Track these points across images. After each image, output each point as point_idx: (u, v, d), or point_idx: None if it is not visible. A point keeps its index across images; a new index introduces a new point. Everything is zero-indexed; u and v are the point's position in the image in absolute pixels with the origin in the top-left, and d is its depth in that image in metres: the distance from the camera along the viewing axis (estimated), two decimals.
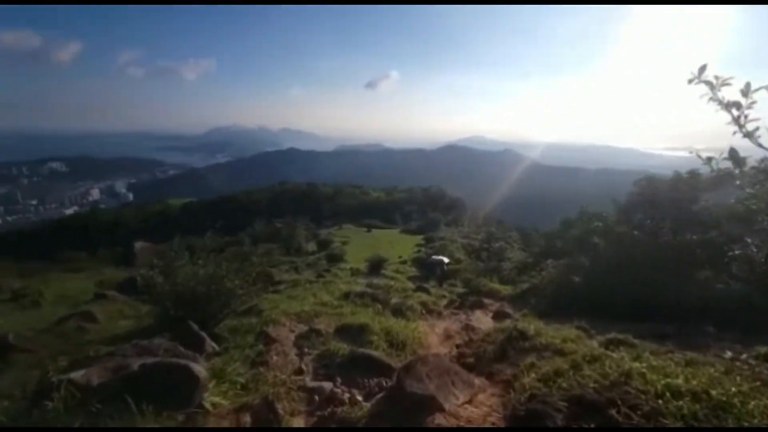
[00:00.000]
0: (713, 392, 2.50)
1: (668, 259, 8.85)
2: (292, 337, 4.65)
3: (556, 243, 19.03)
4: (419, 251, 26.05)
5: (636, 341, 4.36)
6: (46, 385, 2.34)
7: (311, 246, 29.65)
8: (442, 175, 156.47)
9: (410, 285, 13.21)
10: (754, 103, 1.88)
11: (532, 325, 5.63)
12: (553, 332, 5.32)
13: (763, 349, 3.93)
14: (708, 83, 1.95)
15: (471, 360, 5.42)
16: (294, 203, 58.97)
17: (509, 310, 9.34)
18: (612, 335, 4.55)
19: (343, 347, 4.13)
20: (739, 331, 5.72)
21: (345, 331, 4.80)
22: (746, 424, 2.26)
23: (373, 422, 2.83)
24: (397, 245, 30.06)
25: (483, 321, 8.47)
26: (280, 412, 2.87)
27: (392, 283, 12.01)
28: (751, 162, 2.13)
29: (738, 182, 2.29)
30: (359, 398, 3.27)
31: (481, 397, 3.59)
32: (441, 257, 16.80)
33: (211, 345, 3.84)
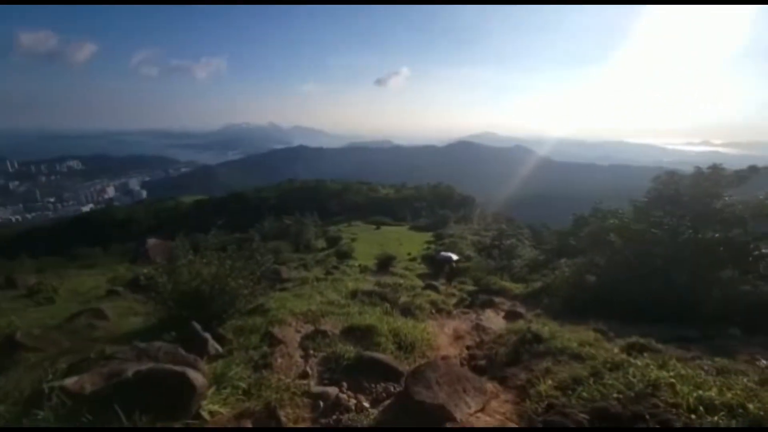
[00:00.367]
0: (751, 407, 2.28)
1: (688, 258, 8.48)
2: (298, 338, 4.53)
3: (569, 241, 18.61)
4: (428, 248, 25.79)
5: (659, 346, 4.12)
6: (39, 391, 2.24)
7: (320, 243, 29.63)
8: (452, 171, 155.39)
9: (419, 283, 13.03)
10: None
11: (546, 327, 5.41)
12: (568, 335, 5.10)
13: None
14: None
15: (482, 362, 5.23)
16: (303, 200, 59.12)
17: (521, 310, 9.10)
18: (633, 339, 4.31)
19: (350, 350, 3.98)
20: (766, 335, 5.42)
21: (352, 333, 4.66)
22: None
23: None
24: (406, 242, 29.84)
25: (494, 321, 8.25)
26: (283, 419, 2.74)
27: (401, 281, 11.84)
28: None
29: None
30: (366, 405, 3.13)
31: (494, 404, 3.41)
32: (450, 254, 16.54)
33: (214, 346, 3.73)
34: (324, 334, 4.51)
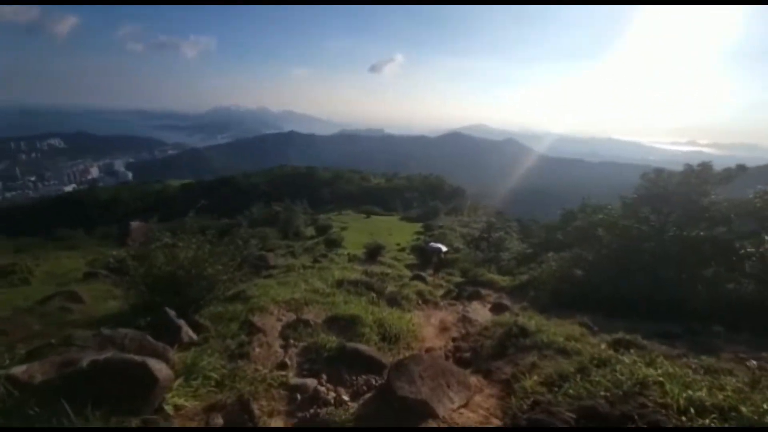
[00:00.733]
0: (744, 409, 2.21)
1: (675, 255, 8.54)
2: (279, 326, 4.37)
3: (556, 235, 18.76)
4: (418, 239, 25.79)
5: (645, 342, 4.08)
6: None
7: (309, 230, 29.38)
8: (443, 162, 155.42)
9: (407, 273, 12.97)
10: None
11: (533, 321, 5.36)
12: (554, 329, 5.05)
13: None
14: None
15: (467, 355, 5.16)
16: (293, 187, 58.44)
17: (508, 303, 9.09)
18: (619, 335, 4.26)
19: (332, 340, 3.84)
20: (749, 333, 5.46)
21: (335, 322, 4.51)
22: None
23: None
24: (396, 232, 29.79)
25: (480, 313, 8.22)
26: (257, 412, 2.59)
27: (389, 270, 11.75)
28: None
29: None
30: (345, 398, 2.99)
31: (478, 398, 3.32)
32: (439, 245, 16.50)
33: (188, 334, 3.54)
34: (306, 323, 4.36)
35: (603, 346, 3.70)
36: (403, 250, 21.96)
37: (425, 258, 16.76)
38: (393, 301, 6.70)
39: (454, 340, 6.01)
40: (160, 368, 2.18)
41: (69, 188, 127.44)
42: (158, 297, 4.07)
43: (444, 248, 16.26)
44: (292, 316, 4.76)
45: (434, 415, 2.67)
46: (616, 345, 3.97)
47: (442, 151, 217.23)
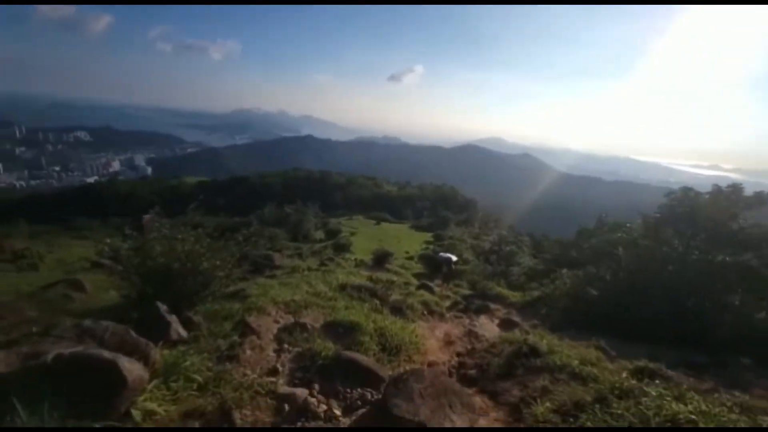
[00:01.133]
0: None
1: (698, 280, 8.05)
2: (275, 329, 4.15)
3: (570, 252, 18.19)
4: (427, 248, 25.41)
5: (670, 373, 3.72)
6: None
7: (319, 234, 29.30)
8: (457, 174, 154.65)
9: (414, 281, 12.67)
10: None
11: (544, 340, 5.03)
12: (568, 350, 4.71)
13: None
14: None
15: (472, 372, 4.85)
16: (306, 190, 58.76)
17: (517, 319, 8.71)
18: (642, 363, 3.90)
19: (328, 347, 3.60)
20: None
21: (334, 328, 4.28)
22: None
23: None
24: (405, 240, 29.47)
25: (488, 328, 7.87)
26: (238, 422, 2.37)
27: (395, 278, 11.47)
28: None
29: None
30: (337, 412, 2.75)
31: (482, 422, 3.03)
32: (449, 255, 16.12)
33: (177, 331, 3.35)
34: (303, 327, 4.13)
35: (624, 374, 3.36)
36: (411, 258, 21.62)
37: (434, 267, 16.40)
38: (397, 310, 6.43)
39: (458, 355, 5.70)
40: (131, 368, 1.99)
41: (91, 180, 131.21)
42: (151, 289, 3.90)
43: (454, 258, 15.88)
44: (290, 319, 4.54)
45: None
46: (638, 374, 3.62)
47: (456, 162, 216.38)
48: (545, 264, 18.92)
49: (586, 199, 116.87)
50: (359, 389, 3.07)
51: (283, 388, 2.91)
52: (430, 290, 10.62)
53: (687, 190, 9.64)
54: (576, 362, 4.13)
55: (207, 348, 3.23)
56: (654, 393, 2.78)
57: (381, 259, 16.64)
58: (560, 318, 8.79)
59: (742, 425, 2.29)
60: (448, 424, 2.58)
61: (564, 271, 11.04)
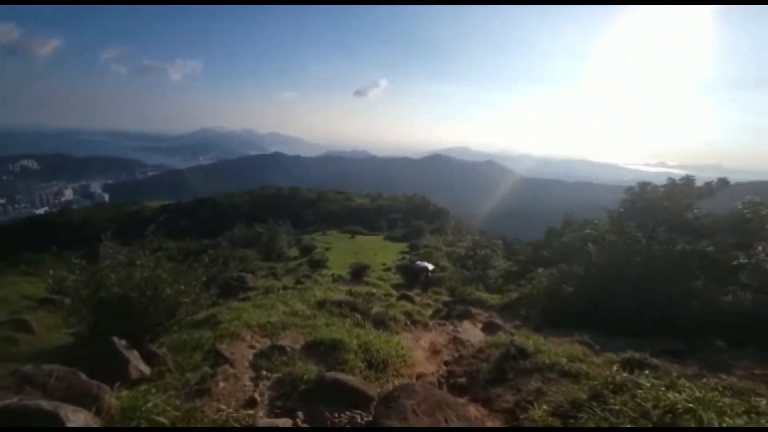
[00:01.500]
0: None
1: (663, 269, 8.42)
2: (251, 355, 3.84)
3: (541, 252, 18.68)
4: (403, 258, 25.33)
5: (656, 362, 3.74)
6: None
7: (293, 251, 28.53)
8: (426, 183, 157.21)
9: (394, 293, 12.48)
10: None
11: (530, 341, 4.98)
12: (554, 348, 4.68)
13: None
14: None
15: (462, 380, 4.71)
16: (276, 207, 57.43)
17: (499, 322, 8.71)
18: (628, 354, 3.91)
19: (311, 369, 3.35)
20: (752, 346, 5.22)
21: (315, 348, 4.01)
22: None
23: None
24: (381, 252, 29.26)
25: (472, 333, 7.80)
26: None
27: (375, 290, 11.24)
28: None
29: None
30: None
31: None
32: (426, 263, 16.10)
33: (137, 368, 2.99)
34: (282, 350, 3.84)
35: (615, 368, 3.32)
36: (388, 269, 21.44)
37: (412, 277, 16.30)
38: (379, 323, 6.22)
39: (446, 363, 5.55)
40: (76, 418, 1.68)
41: (41, 211, 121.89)
42: (105, 324, 3.48)
43: (431, 267, 15.85)
44: (266, 343, 4.23)
45: None
46: (626, 365, 3.61)
47: (425, 172, 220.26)
48: (519, 265, 19.32)
49: (551, 201, 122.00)
50: (347, 412, 2.84)
51: (263, 421, 2.63)
52: (411, 300, 10.47)
53: (644, 185, 10.16)
54: (564, 360, 4.10)
55: (174, 384, 2.90)
56: (648, 384, 2.74)
57: (358, 273, 16.37)
58: (540, 317, 8.88)
59: (739, 409, 2.27)
60: None
61: (540, 270, 11.24)
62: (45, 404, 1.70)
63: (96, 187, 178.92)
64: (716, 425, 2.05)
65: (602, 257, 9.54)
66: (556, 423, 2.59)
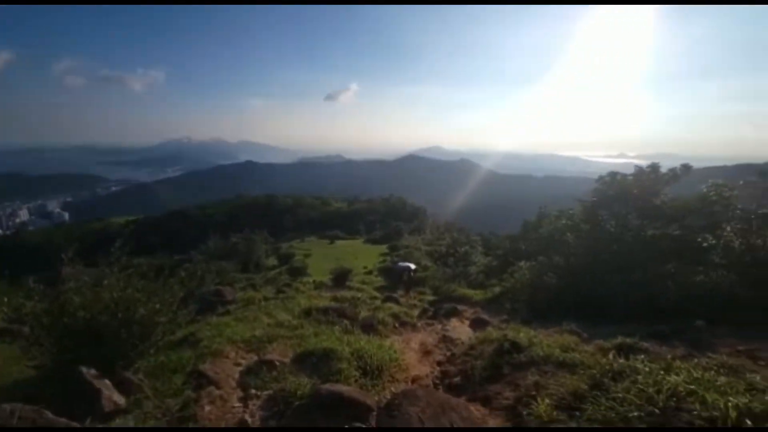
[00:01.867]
0: None
1: (637, 254, 8.73)
2: (237, 373, 3.60)
3: (519, 245, 19.06)
4: (384, 261, 25.26)
5: (646, 345, 3.80)
6: None
7: (271, 261, 27.85)
8: (402, 184, 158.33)
9: (378, 295, 12.35)
10: None
11: (521, 334, 4.98)
12: (546, 340, 4.70)
13: None
14: None
15: (457, 380, 4.63)
16: (252, 217, 56.03)
17: (486, 317, 8.74)
18: (619, 340, 3.96)
19: (303, 383, 3.16)
20: (726, 324, 5.44)
21: (306, 360, 3.82)
22: None
23: None
24: (362, 255, 29.07)
25: (461, 330, 7.77)
26: None
27: (359, 295, 11.06)
28: None
29: None
30: None
31: None
32: (408, 264, 16.07)
33: (110, 399, 2.71)
34: (271, 365, 3.63)
35: (611, 355, 3.33)
36: (370, 273, 21.29)
37: (394, 278, 16.22)
38: (368, 327, 6.07)
39: (439, 364, 5.47)
40: None
41: None
42: (71, 353, 3.15)
43: (413, 266, 15.84)
44: (253, 358, 4.00)
45: None
46: (619, 351, 3.64)
47: (400, 173, 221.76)
48: (498, 260, 19.61)
49: (523, 195, 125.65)
50: (346, 426, 2.68)
51: None
52: (397, 302, 10.37)
53: (614, 174, 10.55)
54: (558, 350, 4.10)
55: (153, 413, 2.64)
56: (646, 369, 2.74)
57: (341, 278, 16.13)
58: (526, 310, 8.99)
59: (740, 387, 2.29)
60: None
61: (522, 263, 11.42)
62: None
63: (54, 206, 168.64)
64: (722, 406, 2.05)
65: (579, 246, 9.80)
66: (562, 417, 2.54)
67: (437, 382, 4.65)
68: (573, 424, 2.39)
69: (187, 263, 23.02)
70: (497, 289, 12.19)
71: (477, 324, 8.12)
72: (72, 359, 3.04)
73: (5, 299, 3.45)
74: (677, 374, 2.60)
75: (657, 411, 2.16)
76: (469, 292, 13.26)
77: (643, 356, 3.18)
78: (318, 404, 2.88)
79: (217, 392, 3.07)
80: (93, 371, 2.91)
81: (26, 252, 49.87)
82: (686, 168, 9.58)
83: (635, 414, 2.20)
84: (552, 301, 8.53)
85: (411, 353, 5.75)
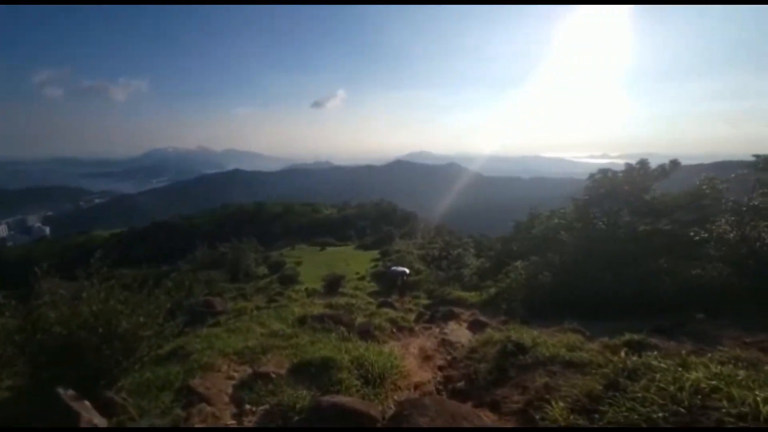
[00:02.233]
0: None
1: (630, 250, 8.76)
2: (230, 387, 3.37)
3: (511, 246, 19.11)
4: (376, 266, 25.04)
5: (655, 341, 3.71)
6: None
7: (261, 269, 27.36)
8: (392, 189, 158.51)
9: (372, 301, 12.14)
10: None
11: (524, 334, 4.86)
12: (549, 339, 4.58)
13: None
14: None
15: (461, 385, 4.47)
16: (240, 225, 55.22)
17: (484, 319, 8.61)
18: (627, 337, 3.86)
19: (302, 395, 2.96)
20: (726, 316, 5.42)
21: (303, 370, 3.61)
22: None
23: None
24: (353, 261, 28.81)
25: (460, 333, 7.61)
26: None
27: (353, 301, 10.84)
28: None
29: None
30: None
31: None
32: (402, 268, 15.91)
33: (90, 421, 2.47)
34: (266, 377, 3.41)
35: (623, 353, 3.21)
36: (363, 278, 21.06)
37: (388, 283, 16.03)
38: (366, 333, 5.88)
39: (441, 369, 5.30)
40: None
41: None
42: (47, 373, 2.88)
43: (407, 271, 15.68)
44: (247, 371, 3.77)
45: None
46: (629, 348, 3.53)
47: (389, 178, 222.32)
48: (491, 261, 19.61)
49: (511, 197, 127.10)
50: None
51: None
52: (392, 306, 10.19)
53: (605, 171, 10.63)
54: (563, 350, 3.98)
55: None
56: (664, 366, 2.63)
57: (333, 285, 15.88)
58: (523, 309, 8.90)
59: (761, 381, 2.19)
60: None
61: (518, 263, 11.37)
62: None
63: (34, 220, 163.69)
64: (750, 401, 1.94)
65: (572, 244, 9.81)
66: (581, 420, 2.40)
67: (440, 387, 4.48)
68: (594, 428, 2.25)
69: (174, 274, 22.45)
70: (492, 290, 12.10)
71: (475, 326, 7.98)
72: (49, 378, 2.78)
73: None
74: (696, 370, 2.49)
75: (682, 410, 2.04)
76: (464, 294, 13.15)
77: (655, 353, 3.07)
78: (319, 418, 2.68)
79: (208, 409, 2.85)
80: (71, 392, 2.66)
81: (3, 268, 48.10)
82: (674, 164, 9.70)
83: (660, 414, 2.07)
84: (547, 299, 8.46)
85: (411, 359, 5.57)
